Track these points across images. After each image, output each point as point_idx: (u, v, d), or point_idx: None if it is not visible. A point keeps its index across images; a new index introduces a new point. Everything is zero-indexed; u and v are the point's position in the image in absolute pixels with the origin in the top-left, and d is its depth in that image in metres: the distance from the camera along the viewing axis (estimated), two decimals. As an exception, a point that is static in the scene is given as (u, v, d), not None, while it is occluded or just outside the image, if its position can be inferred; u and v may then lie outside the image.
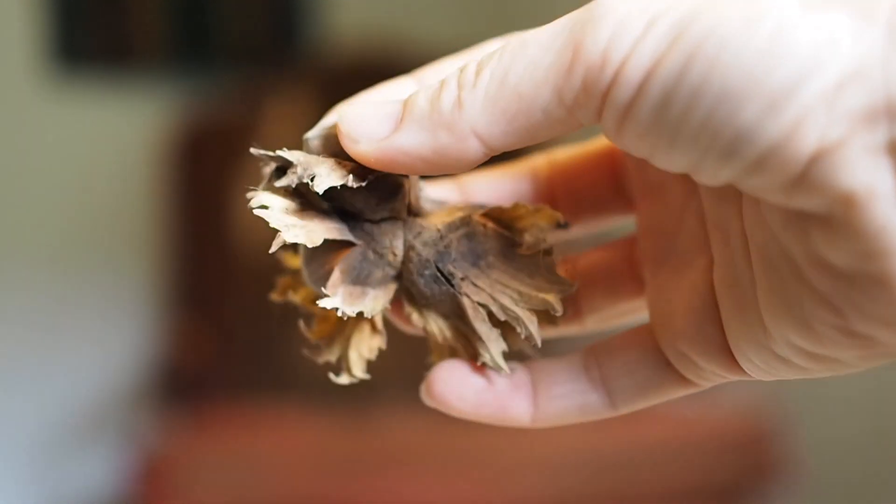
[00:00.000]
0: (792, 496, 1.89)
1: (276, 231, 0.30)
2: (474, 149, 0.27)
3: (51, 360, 2.09)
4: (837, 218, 0.23)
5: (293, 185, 0.30)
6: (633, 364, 0.30)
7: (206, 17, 2.24)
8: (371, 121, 0.28)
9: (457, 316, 0.31)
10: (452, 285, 0.31)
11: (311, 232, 0.30)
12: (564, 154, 0.34)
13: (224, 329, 2.01)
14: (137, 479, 1.76)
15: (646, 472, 1.70)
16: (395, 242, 0.31)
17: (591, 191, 0.33)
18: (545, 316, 0.32)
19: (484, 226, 0.31)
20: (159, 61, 2.20)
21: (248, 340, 1.96)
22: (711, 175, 0.24)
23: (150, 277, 2.17)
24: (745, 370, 0.28)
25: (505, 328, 0.31)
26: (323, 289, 0.30)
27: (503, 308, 0.31)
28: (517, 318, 0.31)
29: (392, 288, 0.31)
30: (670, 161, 0.25)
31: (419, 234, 0.31)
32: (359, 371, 0.33)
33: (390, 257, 0.31)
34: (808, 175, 0.23)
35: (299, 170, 0.30)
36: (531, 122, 0.26)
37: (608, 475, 1.67)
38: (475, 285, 0.31)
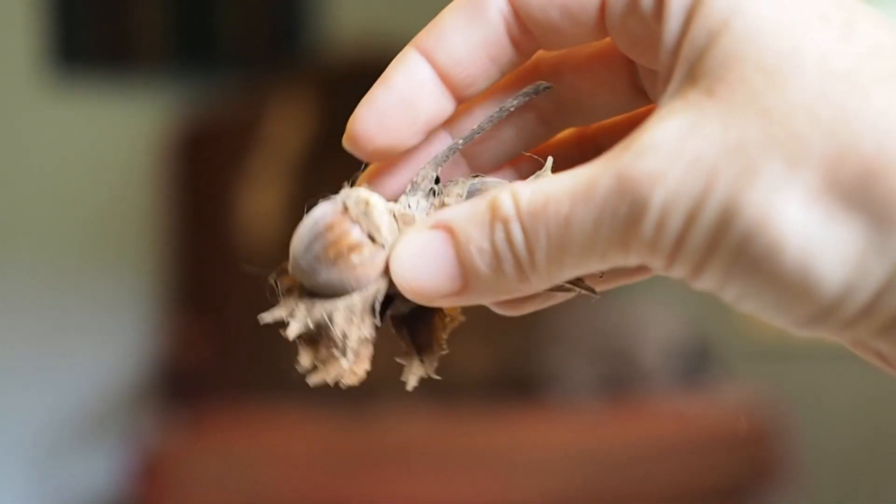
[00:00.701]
0: (791, 496, 1.89)
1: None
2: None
3: (51, 360, 2.09)
4: None
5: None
6: None
7: (206, 18, 2.24)
8: (434, 281, 0.29)
9: None
10: None
11: (362, 359, 0.30)
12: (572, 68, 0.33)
13: (224, 329, 2.01)
14: (137, 479, 1.76)
15: (646, 472, 1.70)
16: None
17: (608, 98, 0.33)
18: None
19: None
20: (159, 61, 2.20)
21: (248, 340, 1.96)
22: (788, 326, 0.26)
23: (150, 277, 2.17)
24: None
25: None
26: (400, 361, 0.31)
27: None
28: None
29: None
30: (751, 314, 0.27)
31: None
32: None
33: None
34: (882, 336, 0.25)
35: (334, 338, 0.30)
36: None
37: (608, 475, 1.67)
38: None
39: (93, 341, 2.13)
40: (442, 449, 1.66)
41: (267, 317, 0.30)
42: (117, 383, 2.15)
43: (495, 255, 0.28)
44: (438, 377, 0.31)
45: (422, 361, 0.31)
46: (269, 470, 1.67)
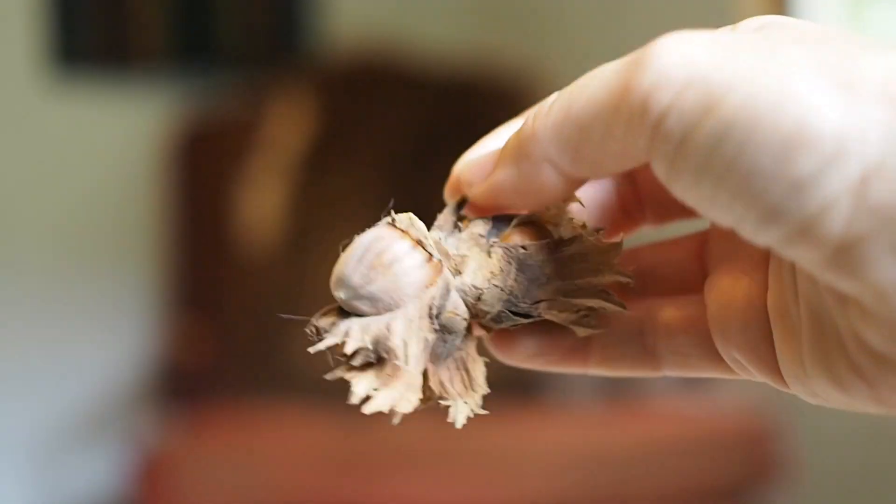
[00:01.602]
0: (791, 496, 1.89)
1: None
2: (551, 177, 0.29)
3: (51, 360, 2.09)
4: (869, 305, 0.23)
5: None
6: (687, 348, 0.32)
7: (206, 18, 2.24)
8: (479, 165, 0.31)
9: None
10: (532, 316, 0.31)
11: (414, 385, 0.30)
12: None
13: (224, 329, 2.01)
14: (137, 479, 1.76)
15: (646, 472, 1.70)
16: (460, 317, 0.31)
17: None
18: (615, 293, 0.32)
19: (524, 247, 0.31)
20: (159, 61, 2.20)
21: (248, 340, 1.96)
22: (751, 237, 0.25)
23: (150, 277, 2.17)
24: (794, 391, 0.29)
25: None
26: (441, 402, 0.31)
27: (580, 308, 0.31)
28: (594, 310, 0.31)
29: (474, 342, 0.32)
30: (714, 218, 0.26)
31: (479, 297, 0.31)
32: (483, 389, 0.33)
33: (463, 330, 0.31)
34: (838, 261, 0.23)
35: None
36: (594, 154, 0.27)
37: (608, 475, 1.67)
38: (546, 301, 0.31)
39: (93, 341, 2.13)
40: (442, 449, 1.66)
41: (320, 346, 0.30)
42: (117, 383, 2.15)
43: (525, 119, 0.29)
44: (486, 412, 0.31)
45: (465, 402, 0.31)
46: (269, 470, 1.67)
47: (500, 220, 0.32)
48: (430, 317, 0.30)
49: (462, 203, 0.32)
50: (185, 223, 2.13)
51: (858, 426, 2.05)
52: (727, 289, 0.30)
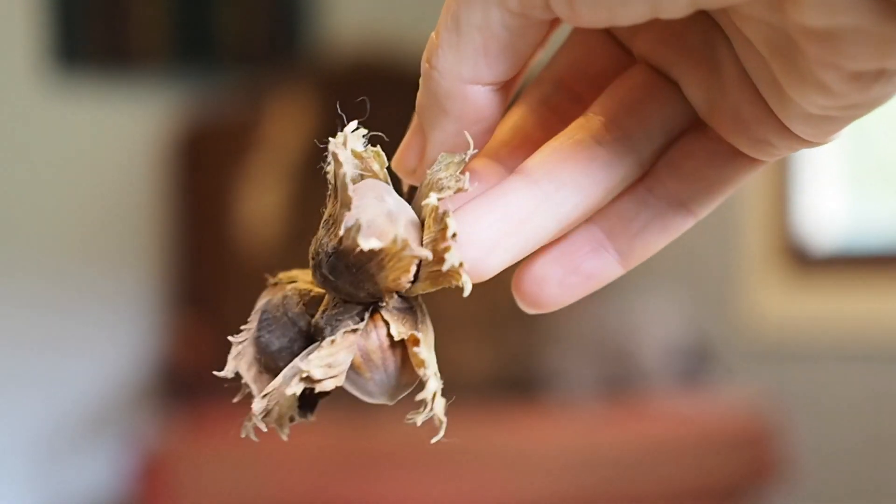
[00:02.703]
0: (790, 496, 1.89)
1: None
2: (478, 93, 0.28)
3: (51, 360, 2.09)
4: None
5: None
6: (702, 167, 0.30)
7: (206, 18, 2.24)
8: (407, 147, 0.30)
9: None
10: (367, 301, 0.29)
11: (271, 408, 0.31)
12: (558, 62, 0.32)
13: (224, 329, 2.01)
14: (137, 479, 1.76)
15: (645, 472, 1.70)
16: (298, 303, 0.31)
17: (606, 67, 0.32)
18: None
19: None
20: (159, 62, 2.20)
21: (248, 340, 1.96)
22: (672, 9, 0.25)
23: (150, 277, 2.17)
24: (806, 138, 0.28)
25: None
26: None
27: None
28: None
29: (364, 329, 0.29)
30: (632, 16, 0.25)
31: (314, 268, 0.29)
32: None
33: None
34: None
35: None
36: (504, 44, 0.27)
37: (608, 475, 1.67)
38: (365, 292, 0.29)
39: (93, 341, 2.13)
40: (442, 449, 1.66)
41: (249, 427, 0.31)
42: (117, 383, 2.15)
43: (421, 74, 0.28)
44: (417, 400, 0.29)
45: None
46: (268, 470, 1.67)
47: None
48: (258, 345, 0.31)
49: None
50: (185, 223, 2.13)
51: (857, 426, 2.05)
52: (706, 78, 0.29)
